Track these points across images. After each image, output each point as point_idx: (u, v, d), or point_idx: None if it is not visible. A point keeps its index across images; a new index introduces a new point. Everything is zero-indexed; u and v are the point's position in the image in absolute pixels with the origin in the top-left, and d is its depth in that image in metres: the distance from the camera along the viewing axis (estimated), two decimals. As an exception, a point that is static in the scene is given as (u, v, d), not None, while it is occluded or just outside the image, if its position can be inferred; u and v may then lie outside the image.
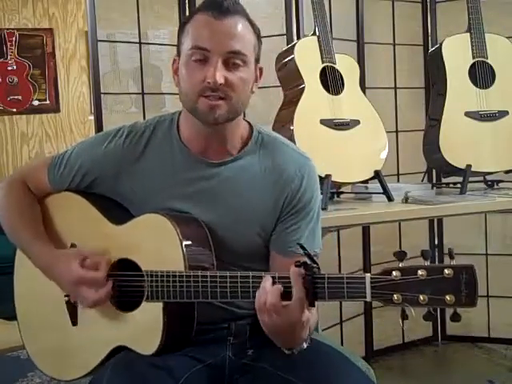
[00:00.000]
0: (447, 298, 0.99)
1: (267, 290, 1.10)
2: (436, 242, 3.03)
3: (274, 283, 1.11)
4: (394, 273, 1.03)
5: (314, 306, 1.11)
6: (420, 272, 1.01)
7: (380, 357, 2.85)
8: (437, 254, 3.01)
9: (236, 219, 1.32)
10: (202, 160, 1.33)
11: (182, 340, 1.27)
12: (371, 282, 1.04)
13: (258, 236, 1.34)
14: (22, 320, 1.48)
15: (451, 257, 1.03)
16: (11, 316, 1.62)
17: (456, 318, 1.05)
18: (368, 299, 1.05)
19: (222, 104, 1.24)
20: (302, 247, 1.12)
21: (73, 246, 1.38)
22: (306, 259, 1.11)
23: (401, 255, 1.07)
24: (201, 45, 1.23)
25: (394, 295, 1.02)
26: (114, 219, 1.35)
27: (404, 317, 1.04)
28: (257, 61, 1.31)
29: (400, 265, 1.05)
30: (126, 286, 1.30)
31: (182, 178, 1.33)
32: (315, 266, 1.09)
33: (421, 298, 1.01)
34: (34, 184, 1.44)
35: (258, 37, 1.31)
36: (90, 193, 1.40)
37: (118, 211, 1.37)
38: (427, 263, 1.04)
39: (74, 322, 1.36)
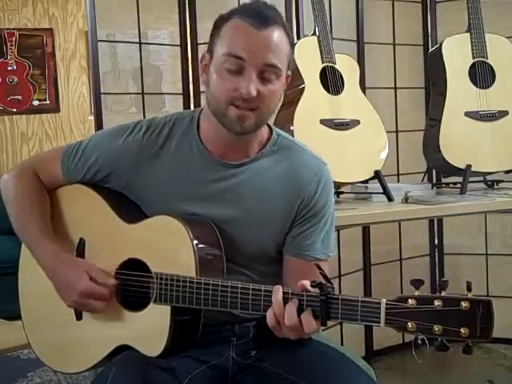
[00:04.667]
0: (462, 330, 0.99)
1: (280, 310, 1.10)
2: (436, 242, 3.03)
3: (285, 300, 1.11)
4: (409, 301, 1.02)
5: (325, 325, 1.10)
6: (436, 302, 1.00)
7: (380, 357, 2.85)
8: (437, 253, 3.01)
9: (251, 221, 1.31)
10: (220, 161, 1.32)
11: (187, 343, 1.26)
12: (386, 308, 1.03)
13: (272, 238, 1.34)
14: (26, 313, 1.47)
15: (469, 289, 1.02)
16: (12, 316, 1.62)
17: (468, 351, 1.03)
18: (382, 325, 1.04)
19: (251, 115, 1.23)
20: (319, 267, 1.11)
21: (82, 240, 1.36)
22: (318, 264, 1.12)
23: (417, 283, 1.06)
24: (236, 53, 1.20)
25: (409, 323, 1.01)
26: (125, 217, 1.34)
27: (416, 345, 1.04)
28: (287, 69, 1.29)
29: (416, 293, 1.04)
30: (134, 285, 1.30)
31: (198, 178, 1.32)
32: (330, 285, 1.09)
33: (435, 328, 1.00)
34: (46, 174, 1.42)
35: (292, 45, 1.29)
36: (102, 187, 1.38)
37: (130, 209, 1.36)
38: (444, 293, 1.03)
39: (79, 317, 1.35)
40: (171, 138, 1.34)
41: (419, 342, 1.03)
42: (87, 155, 1.37)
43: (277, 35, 1.22)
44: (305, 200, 1.32)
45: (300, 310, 1.10)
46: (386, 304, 1.03)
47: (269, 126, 1.38)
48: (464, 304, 0.99)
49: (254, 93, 1.20)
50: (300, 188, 1.32)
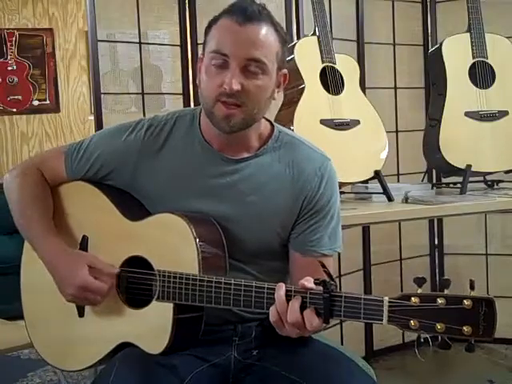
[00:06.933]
0: (464, 329, 0.99)
1: (282, 306, 1.10)
2: (436, 242, 3.03)
3: (288, 297, 1.11)
4: (412, 299, 1.02)
5: (328, 323, 1.11)
6: (439, 300, 1.00)
7: (380, 357, 2.85)
8: (437, 253, 3.01)
9: (254, 216, 1.31)
10: (223, 156, 1.33)
11: (189, 341, 1.27)
12: (389, 306, 1.03)
13: (276, 234, 1.34)
14: (28, 310, 1.47)
15: (472, 288, 1.03)
16: (12, 316, 1.62)
17: (470, 348, 1.04)
18: (384, 323, 1.04)
19: (237, 112, 1.24)
20: (323, 265, 1.12)
21: (84, 237, 1.37)
22: (323, 262, 1.12)
23: (420, 281, 1.06)
24: (221, 50, 1.22)
25: (411, 321, 1.02)
26: (128, 214, 1.34)
27: (419, 343, 1.03)
28: (280, 68, 1.29)
29: (418, 291, 1.05)
30: (136, 283, 1.30)
31: (201, 173, 1.33)
32: (333, 283, 1.09)
33: (438, 326, 1.00)
34: (50, 172, 1.43)
35: (284, 43, 1.29)
36: (105, 184, 1.39)
37: (132, 206, 1.36)
38: (447, 292, 1.03)
39: (81, 314, 1.35)
40: (173, 135, 1.35)
41: (422, 340, 1.03)
42: (90, 153, 1.38)
43: (261, 31, 1.23)
44: (308, 195, 1.33)
45: (303, 308, 1.10)
46: (389, 302, 1.04)
47: (270, 123, 1.38)
48: (467, 302, 0.99)
49: (236, 86, 1.21)
50: (303, 184, 1.33)
